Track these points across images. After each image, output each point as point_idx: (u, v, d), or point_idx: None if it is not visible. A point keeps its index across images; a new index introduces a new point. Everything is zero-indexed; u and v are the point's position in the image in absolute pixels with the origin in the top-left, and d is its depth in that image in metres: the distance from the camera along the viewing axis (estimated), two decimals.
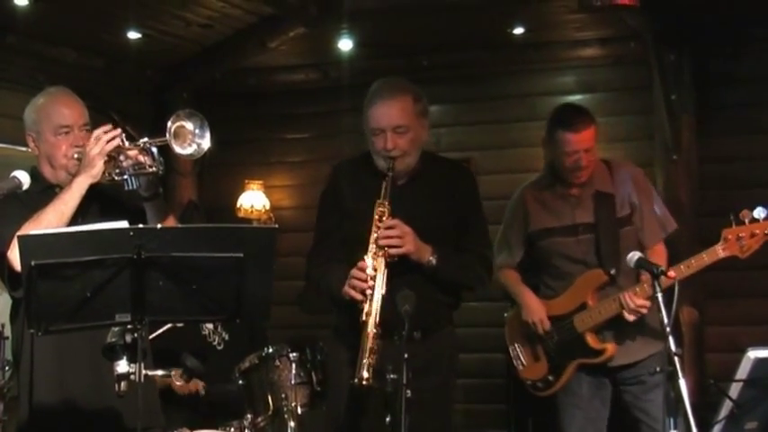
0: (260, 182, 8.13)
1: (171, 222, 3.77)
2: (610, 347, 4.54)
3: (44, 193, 3.72)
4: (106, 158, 3.61)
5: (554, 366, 4.67)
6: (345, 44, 7.46)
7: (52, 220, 3.55)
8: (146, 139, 3.61)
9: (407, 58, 7.77)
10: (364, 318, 3.78)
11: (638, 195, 4.62)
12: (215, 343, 5.67)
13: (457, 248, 4.04)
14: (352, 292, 3.83)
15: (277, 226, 3.40)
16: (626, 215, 4.59)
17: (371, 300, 3.79)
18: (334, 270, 3.99)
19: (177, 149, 3.53)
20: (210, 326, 5.65)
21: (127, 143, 3.62)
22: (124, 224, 3.22)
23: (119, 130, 3.64)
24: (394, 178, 3.95)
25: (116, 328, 3.20)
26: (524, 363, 4.78)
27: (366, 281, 3.80)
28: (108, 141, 3.60)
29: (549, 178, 4.72)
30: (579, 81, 7.71)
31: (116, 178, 3.64)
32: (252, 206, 8.03)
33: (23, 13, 6.14)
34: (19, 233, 3.28)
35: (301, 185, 8.25)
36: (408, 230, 3.87)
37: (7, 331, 5.93)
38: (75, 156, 3.74)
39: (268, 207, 8.09)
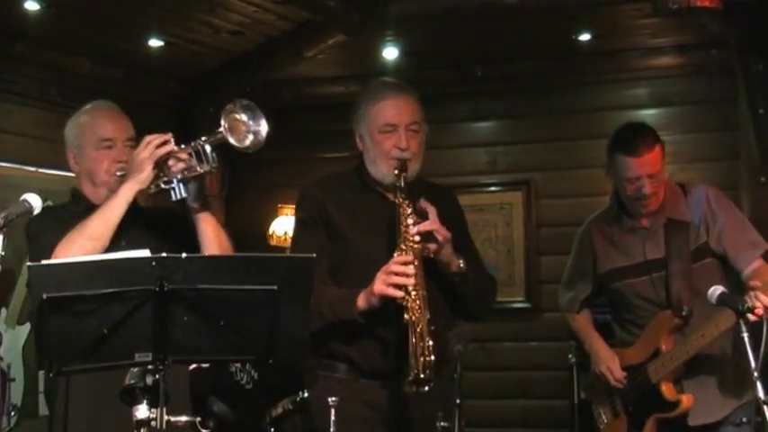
0: (294, 206, 8.16)
1: (223, 236, 3.91)
2: (685, 399, 4.49)
3: (85, 213, 3.84)
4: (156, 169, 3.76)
5: (633, 423, 4.63)
6: (390, 53, 7.50)
7: (97, 226, 3.72)
8: (198, 140, 3.74)
9: (460, 69, 7.80)
10: (409, 316, 3.71)
11: (716, 215, 4.54)
12: (243, 382, 5.68)
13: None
14: (393, 291, 3.73)
15: (314, 255, 3.41)
16: (702, 244, 4.53)
17: (413, 297, 3.72)
18: (334, 290, 3.93)
19: (234, 143, 3.63)
20: (238, 364, 5.67)
21: (176, 147, 3.76)
22: (146, 253, 3.26)
23: (170, 135, 3.79)
24: (391, 189, 3.95)
25: (135, 369, 3.22)
26: (605, 420, 4.76)
27: (409, 274, 3.73)
28: (158, 146, 3.74)
29: (615, 209, 4.69)
30: (653, 93, 7.70)
31: (163, 186, 3.78)
32: (285, 233, 8.06)
33: (34, 19, 6.20)
34: (59, 245, 3.54)
35: None
36: (437, 221, 3.85)
37: (13, 373, 6.01)
38: (118, 173, 3.89)
39: None
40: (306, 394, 4.70)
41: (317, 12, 6.79)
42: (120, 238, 3.77)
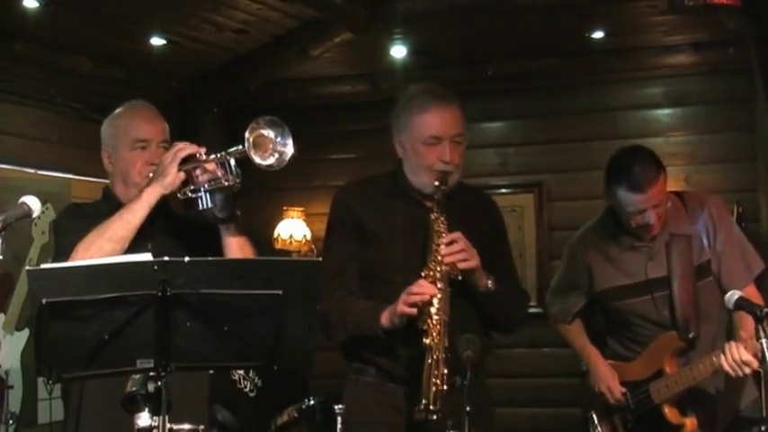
0: (300, 209, 8.17)
1: (248, 250, 3.96)
2: (689, 423, 4.47)
3: (114, 213, 3.88)
4: (183, 175, 3.82)
5: None
6: (398, 51, 7.50)
7: (117, 229, 3.77)
8: (223, 152, 3.78)
9: (470, 68, 7.80)
10: (428, 341, 3.75)
11: (717, 231, 4.49)
12: (246, 389, 5.69)
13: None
14: (410, 309, 3.78)
15: (320, 258, 3.42)
16: (705, 261, 4.48)
17: (434, 322, 3.76)
18: (362, 303, 3.98)
19: (257, 160, 3.66)
20: (241, 370, 5.68)
21: (204, 156, 3.82)
22: (148, 256, 3.26)
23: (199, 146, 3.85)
24: (429, 198, 3.97)
25: (137, 376, 3.23)
26: None
27: (428, 294, 3.76)
28: (182, 149, 3.82)
29: (612, 226, 4.59)
30: (669, 93, 7.69)
31: (190, 195, 3.84)
32: (291, 236, 8.07)
33: (33, 17, 6.21)
34: (79, 245, 3.62)
35: None
36: (470, 245, 3.89)
37: (11, 380, 6.02)
38: (151, 175, 3.93)
39: (309, 237, 8.12)
40: (312, 401, 4.70)
41: (323, 9, 6.80)
42: (146, 241, 3.80)
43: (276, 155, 3.72)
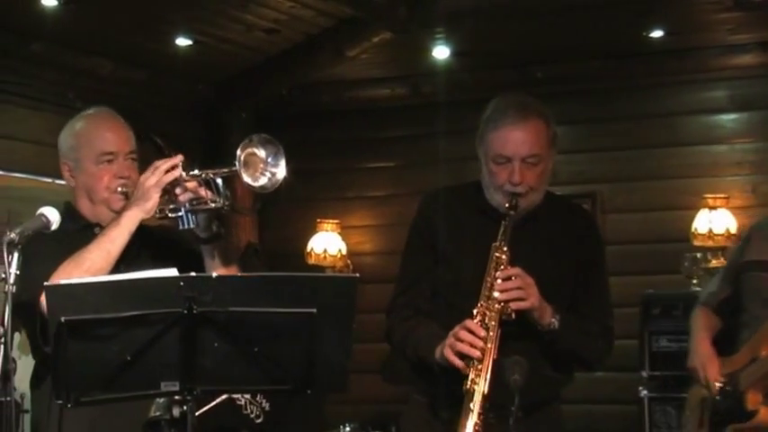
0: (335, 221, 8.18)
1: (233, 273, 3.83)
2: (764, 412, 4.45)
3: (82, 232, 3.82)
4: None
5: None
6: (441, 52, 7.50)
7: (96, 260, 3.66)
8: (208, 170, 3.71)
9: (517, 70, 7.78)
10: (469, 385, 3.73)
11: None
12: (252, 416, 5.67)
13: (575, 312, 4.01)
14: (454, 358, 3.76)
15: (357, 275, 3.42)
16: None
17: (479, 366, 3.74)
18: (424, 326, 3.98)
19: (248, 181, 3.60)
20: (248, 395, 5.66)
21: (184, 174, 3.72)
22: (173, 272, 3.27)
23: (179, 158, 3.75)
24: (512, 218, 3.95)
25: (161, 400, 3.24)
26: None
27: (476, 346, 3.74)
28: (167, 171, 3.70)
29: None
30: (734, 96, 7.65)
31: (170, 215, 3.75)
32: (325, 251, 8.08)
33: (52, 16, 6.26)
34: (54, 277, 3.45)
35: (385, 226, 8.27)
36: (531, 282, 3.82)
37: (27, 404, 6.04)
38: (119, 189, 3.85)
39: (345, 252, 8.12)
40: (348, 428, 4.71)
41: (360, 7, 6.81)
42: (119, 263, 3.72)
43: (268, 175, 3.66)
